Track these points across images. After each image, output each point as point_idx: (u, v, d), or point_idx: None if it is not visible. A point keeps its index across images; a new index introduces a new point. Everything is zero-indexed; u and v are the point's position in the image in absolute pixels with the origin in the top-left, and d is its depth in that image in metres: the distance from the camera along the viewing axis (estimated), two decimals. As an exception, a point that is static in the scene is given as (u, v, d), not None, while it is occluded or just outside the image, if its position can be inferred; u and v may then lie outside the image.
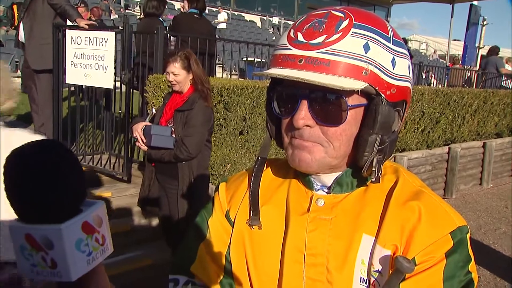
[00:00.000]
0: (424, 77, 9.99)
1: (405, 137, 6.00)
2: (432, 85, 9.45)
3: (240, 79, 6.40)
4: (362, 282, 0.81)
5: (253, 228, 0.90)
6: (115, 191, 4.28)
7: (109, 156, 4.62)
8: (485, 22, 14.90)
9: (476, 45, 14.10)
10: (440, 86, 8.76)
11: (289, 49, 0.78)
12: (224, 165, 3.99)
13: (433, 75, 10.60)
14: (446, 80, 10.11)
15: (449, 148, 6.88)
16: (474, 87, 9.56)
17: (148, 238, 4.07)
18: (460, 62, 13.49)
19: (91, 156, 4.72)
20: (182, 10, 5.45)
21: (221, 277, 0.93)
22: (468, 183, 7.53)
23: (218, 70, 8.84)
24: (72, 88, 5.20)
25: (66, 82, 4.68)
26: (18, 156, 0.52)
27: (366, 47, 0.75)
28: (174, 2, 19.88)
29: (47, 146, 0.54)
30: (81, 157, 4.70)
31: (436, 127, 6.50)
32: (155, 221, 4.29)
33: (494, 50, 10.91)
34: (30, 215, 0.52)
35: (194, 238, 0.97)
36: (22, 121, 6.49)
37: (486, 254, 4.71)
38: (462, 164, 7.14)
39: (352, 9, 0.80)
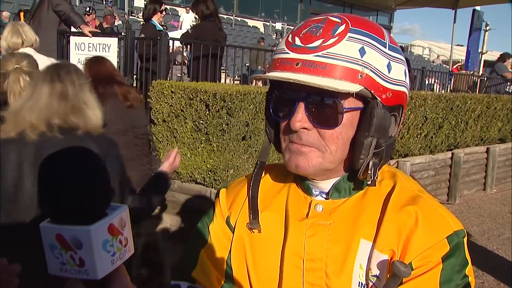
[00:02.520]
0: (427, 82, 9.97)
1: (408, 142, 6.00)
2: (434, 90, 9.43)
3: (243, 84, 6.43)
4: (360, 287, 0.82)
5: (253, 232, 0.91)
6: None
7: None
8: (488, 28, 14.90)
9: (479, 50, 14.08)
10: (443, 91, 8.75)
11: (287, 53, 0.80)
12: (227, 170, 4.00)
13: (436, 81, 10.58)
14: (449, 86, 10.10)
15: (452, 153, 6.86)
16: (477, 93, 9.55)
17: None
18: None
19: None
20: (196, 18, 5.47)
21: (222, 282, 0.94)
22: (472, 189, 7.50)
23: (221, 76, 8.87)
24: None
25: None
26: (52, 162, 0.56)
27: (362, 51, 0.77)
28: (177, 9, 19.98)
29: (80, 154, 0.58)
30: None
31: (439, 132, 6.50)
32: (157, 226, 4.31)
33: (502, 57, 10.82)
34: (61, 217, 0.56)
35: (195, 244, 0.98)
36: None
37: (490, 259, 4.68)
38: (465, 169, 7.12)
39: (349, 15, 0.82)
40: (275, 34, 23.36)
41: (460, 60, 15.02)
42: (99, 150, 1.87)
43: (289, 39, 0.82)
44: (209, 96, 3.81)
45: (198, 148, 4.00)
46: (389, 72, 0.80)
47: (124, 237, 0.60)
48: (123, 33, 4.46)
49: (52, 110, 1.81)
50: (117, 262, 0.59)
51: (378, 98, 0.79)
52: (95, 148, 1.86)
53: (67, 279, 0.59)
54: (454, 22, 12.71)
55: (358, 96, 0.78)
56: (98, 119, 1.98)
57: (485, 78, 10.88)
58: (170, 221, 4.28)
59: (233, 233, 0.94)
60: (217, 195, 1.01)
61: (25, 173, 1.76)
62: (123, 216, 0.60)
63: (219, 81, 5.24)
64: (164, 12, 5.63)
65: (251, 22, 23.46)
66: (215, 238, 0.95)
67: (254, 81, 8.32)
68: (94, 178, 0.57)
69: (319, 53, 0.77)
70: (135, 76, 5.04)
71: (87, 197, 0.55)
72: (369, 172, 0.82)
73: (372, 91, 0.78)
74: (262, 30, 23.53)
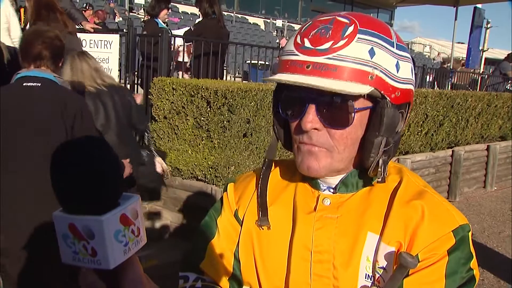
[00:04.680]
0: (428, 80, 9.99)
1: (409, 139, 6.00)
2: (435, 88, 9.44)
3: (244, 81, 6.43)
4: (367, 278, 0.83)
5: (262, 229, 0.92)
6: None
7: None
8: (489, 25, 14.88)
9: (480, 48, 14.06)
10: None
11: (296, 55, 0.80)
12: (228, 167, 4.00)
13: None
14: (449, 83, 10.11)
15: (452, 151, 6.86)
16: (478, 90, 9.56)
17: (154, 239, 4.09)
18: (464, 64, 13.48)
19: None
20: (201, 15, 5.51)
21: (230, 274, 0.95)
22: (472, 186, 7.51)
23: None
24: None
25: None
26: (66, 152, 0.56)
27: (372, 52, 0.78)
28: (178, 5, 19.94)
29: (93, 144, 0.58)
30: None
31: (439, 129, 6.50)
32: (160, 222, 4.31)
33: (509, 57, 10.69)
34: (74, 207, 0.56)
35: (204, 237, 0.99)
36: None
37: (490, 257, 4.70)
38: (466, 167, 7.12)
39: (356, 15, 0.83)
40: (275, 31, 23.32)
41: (461, 58, 15.00)
42: (130, 94, 3.42)
43: (298, 40, 0.82)
44: (210, 93, 3.81)
45: (199, 145, 4.01)
46: (397, 72, 0.81)
47: (137, 227, 0.60)
48: (124, 30, 4.45)
49: (94, 76, 3.08)
50: (129, 252, 0.59)
51: (388, 98, 0.80)
52: (128, 94, 3.43)
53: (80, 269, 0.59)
54: (455, 19, 12.69)
55: (368, 96, 0.79)
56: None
57: (486, 76, 10.86)
58: (171, 217, 4.29)
59: (241, 226, 0.95)
60: (225, 189, 1.02)
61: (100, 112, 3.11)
62: (135, 206, 0.60)
63: (221, 78, 5.23)
64: (169, 10, 5.63)
65: (251, 19, 23.41)
66: (223, 231, 0.96)
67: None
68: (107, 168, 0.57)
69: (330, 56, 0.77)
70: (136, 73, 5.03)
71: (100, 187, 0.56)
72: (379, 170, 0.83)
73: (382, 92, 0.79)
74: (262, 27, 23.49)
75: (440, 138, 6.57)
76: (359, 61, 0.77)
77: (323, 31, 0.79)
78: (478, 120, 7.26)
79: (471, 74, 10.88)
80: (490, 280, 4.19)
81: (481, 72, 12.99)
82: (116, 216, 0.57)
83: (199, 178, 4.09)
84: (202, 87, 3.87)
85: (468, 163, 7.21)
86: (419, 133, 6.16)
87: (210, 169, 3.98)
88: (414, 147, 6.16)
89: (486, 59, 15.20)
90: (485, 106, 7.26)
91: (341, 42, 0.77)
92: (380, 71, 0.78)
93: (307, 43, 0.80)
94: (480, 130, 7.39)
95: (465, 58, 13.82)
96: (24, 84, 2.27)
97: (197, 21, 5.85)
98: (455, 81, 10.10)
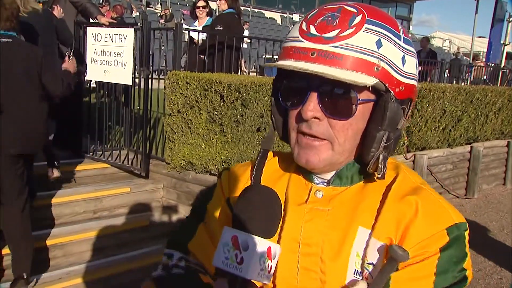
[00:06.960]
0: (448, 75, 9.84)
1: (426, 135, 5.90)
2: (453, 82, 9.28)
3: (259, 76, 6.40)
4: (356, 274, 0.81)
5: None
6: (133, 186, 4.33)
7: (128, 152, 4.67)
8: (511, 18, 14.53)
9: (501, 41, 13.75)
10: (462, 84, 8.60)
11: (301, 41, 0.79)
12: (241, 162, 4.00)
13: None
14: (468, 78, 9.94)
15: (471, 147, 6.74)
16: (499, 85, 9.37)
17: (166, 233, 4.11)
18: (484, 59, 13.23)
19: (110, 151, 4.78)
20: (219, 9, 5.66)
21: None
22: (491, 183, 7.37)
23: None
24: (93, 85, 5.28)
25: (86, 78, 4.76)
26: (248, 197, 0.79)
27: (379, 44, 0.77)
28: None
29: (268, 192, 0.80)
30: (101, 152, 4.77)
31: (457, 125, 6.38)
32: (172, 216, 4.34)
33: None
34: (240, 226, 0.75)
35: (193, 219, 0.99)
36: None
37: (509, 255, 4.60)
38: (484, 163, 6.99)
39: (364, 5, 0.81)
40: (292, 26, 23.19)
41: (481, 52, 14.68)
42: (53, 17, 4.27)
43: (303, 27, 0.80)
44: (224, 87, 3.80)
45: (212, 139, 4.01)
46: (403, 66, 0.79)
47: (270, 266, 0.74)
48: (139, 24, 4.46)
49: (25, 2, 3.59)
50: (258, 278, 0.73)
51: (392, 92, 0.78)
52: (52, 17, 4.25)
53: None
54: (476, 12, 12.44)
55: (372, 88, 0.78)
56: None
57: (507, 71, 10.63)
58: (184, 211, 4.31)
59: (232, 213, 0.94)
60: (219, 176, 1.02)
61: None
62: (275, 249, 0.76)
63: (236, 73, 5.23)
64: (200, 8, 5.67)
65: (268, 14, 23.36)
66: (216, 216, 0.96)
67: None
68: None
69: (336, 44, 0.76)
70: (151, 67, 5.05)
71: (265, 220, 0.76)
72: (379, 165, 0.82)
73: (387, 85, 0.78)
74: (279, 21, 23.41)
75: (458, 133, 6.45)
76: (365, 51, 0.76)
77: (330, 19, 0.78)
78: (499, 116, 7.11)
79: (489, 68, 10.68)
80: (508, 279, 4.10)
81: (502, 66, 12.70)
82: (268, 244, 0.74)
83: (212, 172, 4.09)
84: (215, 81, 3.86)
85: (487, 159, 7.08)
86: (437, 129, 6.06)
87: (223, 163, 3.98)
88: (431, 143, 6.06)
89: (507, 53, 14.84)
90: (505, 102, 7.10)
91: (349, 31, 0.76)
92: (386, 63, 0.77)
93: (313, 30, 0.78)
94: (500, 126, 7.23)
95: (485, 52, 13.55)
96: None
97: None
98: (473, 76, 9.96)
